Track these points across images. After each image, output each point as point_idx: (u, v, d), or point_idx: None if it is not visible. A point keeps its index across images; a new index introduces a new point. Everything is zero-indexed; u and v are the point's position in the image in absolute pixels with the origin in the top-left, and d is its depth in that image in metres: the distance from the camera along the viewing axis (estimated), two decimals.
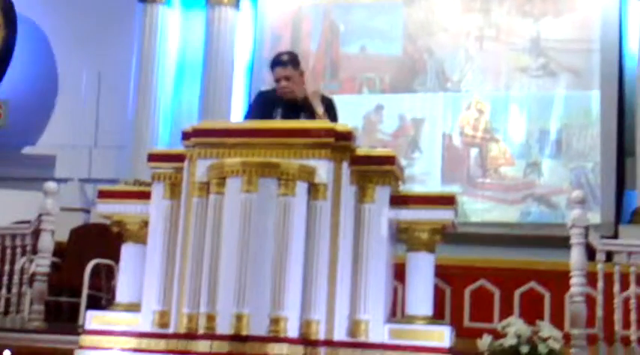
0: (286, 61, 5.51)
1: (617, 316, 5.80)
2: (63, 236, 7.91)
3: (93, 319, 5.12)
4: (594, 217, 8.15)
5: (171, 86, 9.82)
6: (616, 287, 5.83)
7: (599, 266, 5.83)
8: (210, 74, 9.50)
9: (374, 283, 4.73)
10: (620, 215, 8.55)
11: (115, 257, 5.66)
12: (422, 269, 4.84)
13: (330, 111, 5.47)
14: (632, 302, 5.80)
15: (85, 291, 7.06)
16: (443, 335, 4.69)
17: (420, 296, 4.82)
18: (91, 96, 10.00)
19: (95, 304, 6.97)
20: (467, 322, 7.23)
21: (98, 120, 9.98)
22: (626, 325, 5.82)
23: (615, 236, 8.04)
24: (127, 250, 5.22)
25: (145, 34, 9.61)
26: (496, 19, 9.22)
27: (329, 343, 4.65)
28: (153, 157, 5.22)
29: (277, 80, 5.49)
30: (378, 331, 4.70)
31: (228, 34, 9.60)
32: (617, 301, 5.82)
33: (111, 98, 9.95)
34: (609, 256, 5.89)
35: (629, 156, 8.66)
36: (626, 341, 5.80)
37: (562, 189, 8.67)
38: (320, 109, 5.35)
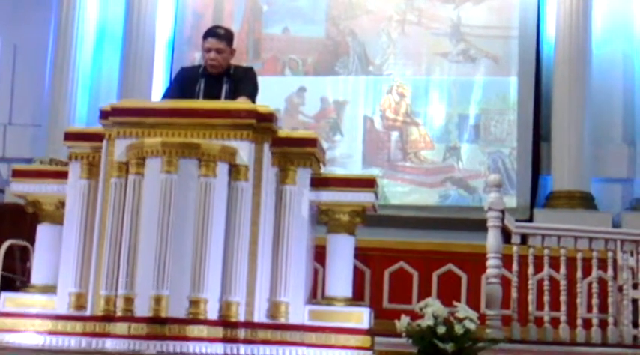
0: (222, 35, 5.50)
1: (531, 297, 5.95)
2: None
3: (7, 301, 5.01)
4: (510, 201, 8.34)
5: (90, 62, 9.61)
6: (530, 270, 5.97)
7: (514, 249, 5.96)
8: (131, 51, 9.34)
9: (294, 265, 4.74)
10: (535, 199, 8.75)
11: (31, 238, 5.53)
12: (342, 251, 4.87)
13: (248, 82, 5.46)
14: (546, 283, 5.95)
15: None
16: (362, 317, 4.73)
17: (340, 277, 4.85)
18: (5, 71, 9.70)
19: (9, 286, 6.80)
20: (386, 303, 7.31)
21: (13, 96, 9.70)
22: (540, 306, 5.97)
23: (530, 219, 8.24)
24: (43, 231, 5.11)
25: (64, 9, 9.38)
26: (418, 4, 9.29)
27: (249, 325, 4.65)
28: (70, 136, 5.11)
29: (208, 50, 5.45)
30: (298, 312, 4.71)
31: (149, 10, 9.44)
32: (531, 283, 5.97)
33: (27, 74, 9.67)
34: (524, 239, 6.03)
35: (545, 142, 8.87)
36: (539, 321, 5.96)
37: (480, 173, 8.83)
38: None
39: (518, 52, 9.01)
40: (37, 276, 5.06)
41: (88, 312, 4.77)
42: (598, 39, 8.89)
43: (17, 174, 5.20)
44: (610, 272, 6.01)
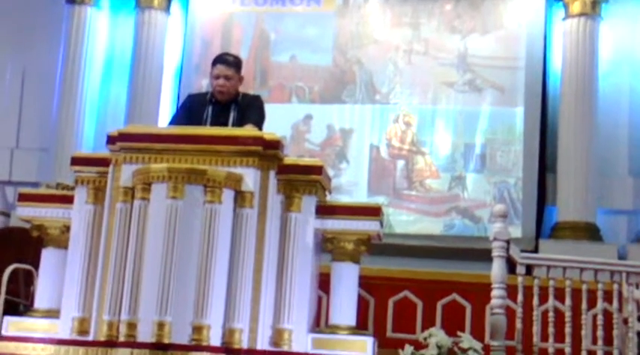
0: (231, 62, 5.53)
1: (536, 328, 5.91)
2: None
3: (10, 325, 5.01)
4: (515, 231, 8.31)
5: (98, 88, 9.66)
6: (535, 300, 5.93)
7: (519, 280, 5.92)
8: (139, 77, 9.38)
9: (298, 292, 4.73)
10: (540, 229, 8.73)
11: (35, 262, 5.53)
12: (346, 280, 4.86)
13: (255, 109, 5.47)
14: (550, 315, 5.91)
15: (2, 296, 6.86)
16: (365, 345, 4.72)
17: (344, 306, 4.84)
18: (14, 95, 9.74)
19: (13, 310, 6.78)
20: (390, 332, 7.27)
21: (21, 120, 9.73)
22: (545, 337, 5.93)
23: (535, 250, 8.21)
24: (48, 255, 5.12)
25: (72, 35, 9.44)
26: (425, 34, 9.33)
27: (252, 352, 4.63)
28: (76, 161, 5.14)
29: (216, 77, 5.47)
30: (302, 340, 4.70)
31: (158, 37, 9.50)
32: (536, 314, 5.93)
33: (35, 98, 9.71)
34: (529, 270, 5.99)
35: (551, 173, 8.86)
36: (544, 353, 5.91)
37: (485, 203, 8.81)
38: None
39: (524, 82, 9.02)
40: (40, 300, 5.06)
41: (90, 337, 4.77)
42: (604, 71, 8.90)
43: (23, 198, 5.22)
44: (615, 304, 5.97)
